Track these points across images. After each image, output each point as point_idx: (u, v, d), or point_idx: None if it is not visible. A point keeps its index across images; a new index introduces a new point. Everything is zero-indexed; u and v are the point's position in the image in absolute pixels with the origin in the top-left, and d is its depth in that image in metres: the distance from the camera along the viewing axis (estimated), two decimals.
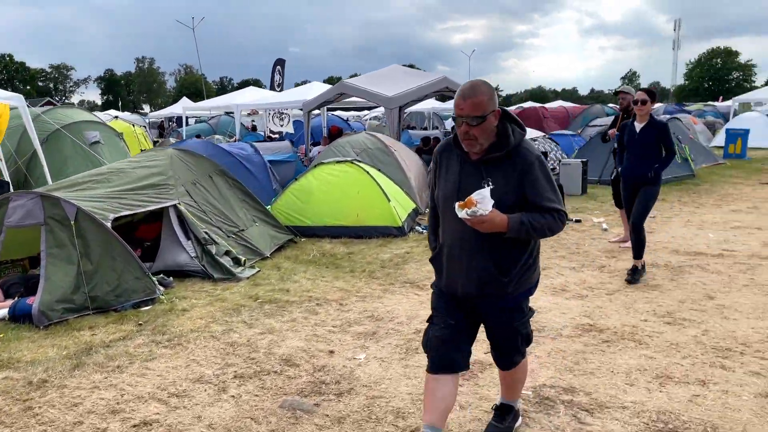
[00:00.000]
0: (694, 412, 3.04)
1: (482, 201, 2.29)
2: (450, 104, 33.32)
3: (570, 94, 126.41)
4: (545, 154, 12.30)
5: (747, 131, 17.18)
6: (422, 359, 3.11)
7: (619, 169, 5.91)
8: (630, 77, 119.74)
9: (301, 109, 13.13)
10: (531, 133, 14.86)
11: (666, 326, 4.21)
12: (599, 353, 3.79)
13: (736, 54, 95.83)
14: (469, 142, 2.43)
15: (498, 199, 2.34)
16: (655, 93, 5.46)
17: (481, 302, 2.57)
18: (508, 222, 2.35)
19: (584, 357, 3.73)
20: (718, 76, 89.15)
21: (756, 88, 61.34)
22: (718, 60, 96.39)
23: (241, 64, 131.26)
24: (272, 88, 28.56)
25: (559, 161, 11.63)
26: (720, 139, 19.32)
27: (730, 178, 12.50)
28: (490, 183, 2.42)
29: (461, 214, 2.31)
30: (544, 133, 14.89)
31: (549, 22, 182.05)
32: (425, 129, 27.22)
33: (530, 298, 2.68)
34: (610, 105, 28.04)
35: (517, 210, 2.42)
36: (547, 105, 32.08)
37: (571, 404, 3.15)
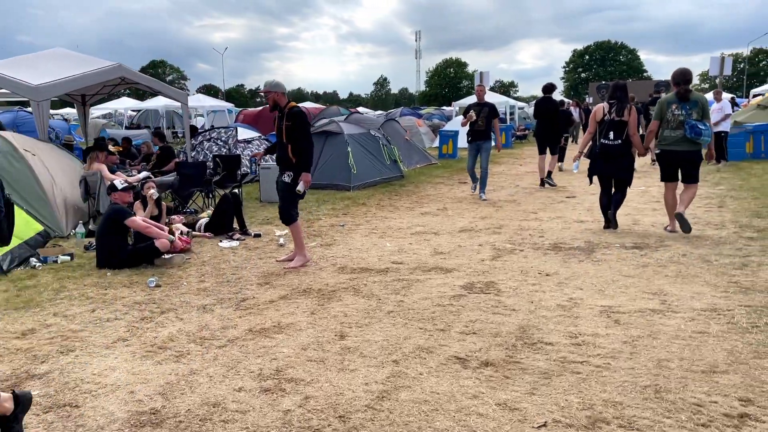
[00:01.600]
0: None
1: None
2: (194, 100, 30.85)
3: (330, 97, 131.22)
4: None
5: (457, 132, 18.43)
6: None
7: None
8: (382, 82, 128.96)
9: None
10: (245, 133, 13.57)
11: (265, 396, 3.10)
12: None
13: (465, 65, 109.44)
14: None
15: None
16: None
17: None
18: None
19: None
20: (452, 84, 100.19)
21: None
22: (452, 69, 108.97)
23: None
24: None
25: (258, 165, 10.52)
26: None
27: (435, 178, 12.85)
28: None
29: None
30: (260, 135, 13.79)
31: (308, 26, 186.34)
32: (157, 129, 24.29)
33: None
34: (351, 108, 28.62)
35: None
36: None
37: None
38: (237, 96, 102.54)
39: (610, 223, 7.04)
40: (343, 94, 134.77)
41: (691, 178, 6.64)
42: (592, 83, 79.90)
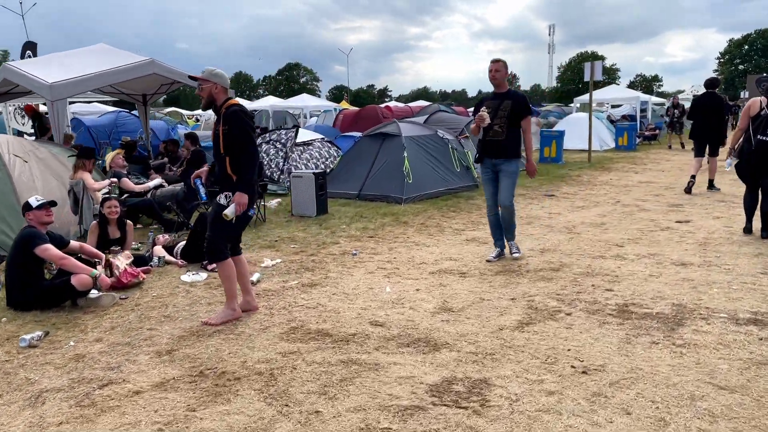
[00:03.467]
0: None
1: None
2: (298, 101, 30.67)
3: (459, 95, 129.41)
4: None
5: (562, 133, 15.92)
6: None
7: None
8: (511, 80, 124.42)
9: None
10: (305, 134, 12.41)
11: None
12: None
13: (602, 59, 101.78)
14: None
15: None
16: None
17: None
18: None
19: None
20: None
21: None
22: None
23: None
24: None
25: (290, 173, 9.21)
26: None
27: (518, 188, 10.70)
28: None
29: None
30: (322, 137, 12.52)
31: (440, 25, 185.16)
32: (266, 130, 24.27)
33: None
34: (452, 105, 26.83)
35: None
36: (393, 104, 31.07)
37: None
38: (365, 96, 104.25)
39: (751, 230, 6.53)
40: (472, 93, 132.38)
41: None
42: (751, 75, 70.32)
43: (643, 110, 28.83)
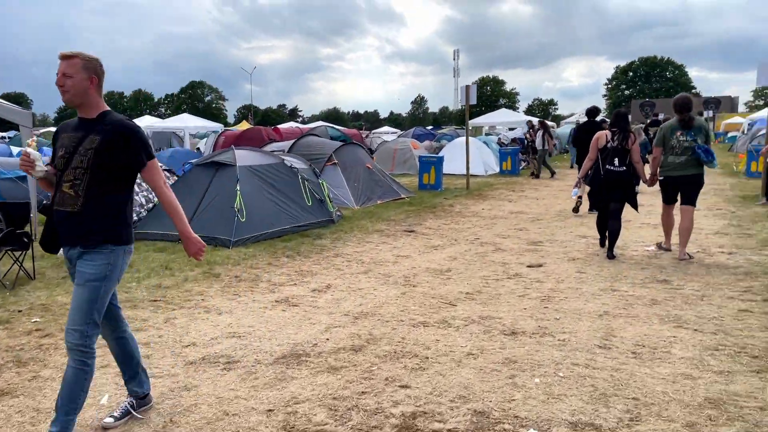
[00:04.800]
0: None
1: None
2: (177, 121, 28.36)
3: (371, 116, 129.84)
4: None
5: (440, 159, 15.18)
6: None
7: None
8: (419, 101, 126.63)
9: None
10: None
11: None
12: None
13: (503, 83, 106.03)
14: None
15: None
16: None
17: None
18: None
19: None
20: (489, 102, 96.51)
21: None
22: (488, 87, 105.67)
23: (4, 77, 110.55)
24: None
25: None
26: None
27: (381, 222, 9.62)
28: None
29: None
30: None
31: (353, 47, 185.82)
32: None
33: None
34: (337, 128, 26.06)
35: None
36: (284, 125, 29.85)
37: None
38: (275, 116, 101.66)
39: (607, 249, 7.01)
40: (384, 113, 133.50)
41: (691, 201, 6.70)
42: (635, 100, 75.47)
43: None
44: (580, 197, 9.88)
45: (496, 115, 31.47)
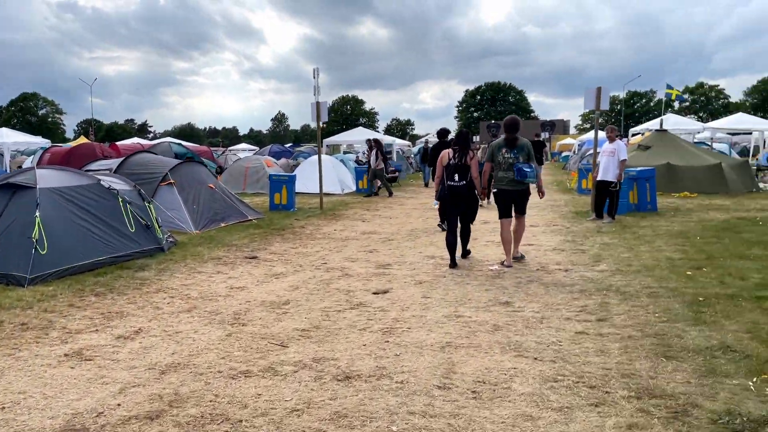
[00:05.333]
0: None
1: None
2: None
3: (230, 133, 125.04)
4: None
5: (292, 178, 14.52)
6: None
7: None
8: (280, 118, 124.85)
9: None
10: None
11: None
12: None
13: (362, 102, 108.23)
14: None
15: None
16: None
17: None
18: None
19: None
20: (350, 121, 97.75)
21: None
22: (348, 107, 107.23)
23: None
24: None
25: None
26: None
27: (220, 248, 8.71)
28: None
29: None
30: None
31: (209, 61, 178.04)
32: None
33: None
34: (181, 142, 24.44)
35: None
36: (126, 141, 27.44)
37: None
38: (121, 131, 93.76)
39: (456, 264, 7.35)
40: (244, 130, 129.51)
41: (523, 211, 7.49)
42: (483, 122, 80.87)
43: (387, 152, 29.72)
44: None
45: (353, 133, 31.54)
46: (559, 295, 5.89)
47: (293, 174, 15.37)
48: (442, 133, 12.55)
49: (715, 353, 4.10)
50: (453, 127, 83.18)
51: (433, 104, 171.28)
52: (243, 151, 44.99)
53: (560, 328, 4.83)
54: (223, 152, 39.27)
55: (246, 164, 20.10)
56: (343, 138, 30.03)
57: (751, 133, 29.74)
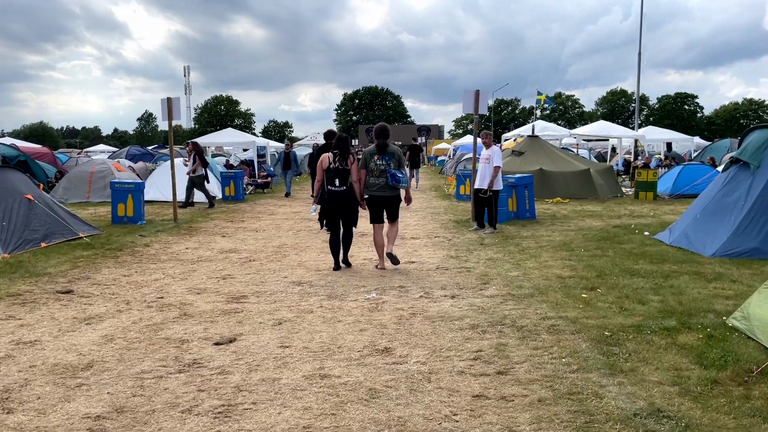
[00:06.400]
0: None
1: None
2: None
3: (91, 132, 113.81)
4: None
5: (139, 185, 12.43)
6: None
7: None
8: (147, 118, 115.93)
9: None
10: None
11: None
12: None
13: (237, 102, 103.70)
14: None
15: None
16: None
17: None
18: None
19: None
20: (224, 122, 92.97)
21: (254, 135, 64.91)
22: (222, 107, 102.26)
23: None
24: None
25: None
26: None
27: (13, 281, 6.71)
28: None
29: None
30: None
31: (67, 55, 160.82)
32: None
33: None
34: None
35: None
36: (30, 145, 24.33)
37: None
38: None
39: (340, 266, 7.40)
40: (107, 130, 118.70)
41: (395, 217, 7.46)
42: (362, 126, 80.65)
43: (261, 155, 27.80)
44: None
45: (223, 134, 29.18)
46: (448, 334, 4.84)
47: (140, 181, 13.26)
48: (328, 135, 11.75)
49: (645, 422, 3.21)
50: (333, 129, 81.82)
51: (312, 107, 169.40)
52: (102, 152, 40.46)
53: (453, 389, 3.74)
54: (78, 154, 34.96)
55: (90, 168, 17.41)
56: (209, 140, 27.54)
57: (607, 140, 31.80)
